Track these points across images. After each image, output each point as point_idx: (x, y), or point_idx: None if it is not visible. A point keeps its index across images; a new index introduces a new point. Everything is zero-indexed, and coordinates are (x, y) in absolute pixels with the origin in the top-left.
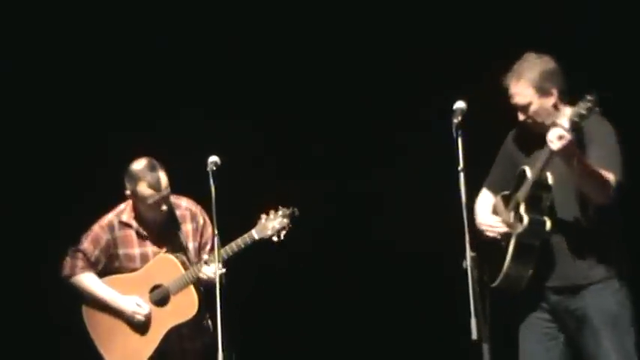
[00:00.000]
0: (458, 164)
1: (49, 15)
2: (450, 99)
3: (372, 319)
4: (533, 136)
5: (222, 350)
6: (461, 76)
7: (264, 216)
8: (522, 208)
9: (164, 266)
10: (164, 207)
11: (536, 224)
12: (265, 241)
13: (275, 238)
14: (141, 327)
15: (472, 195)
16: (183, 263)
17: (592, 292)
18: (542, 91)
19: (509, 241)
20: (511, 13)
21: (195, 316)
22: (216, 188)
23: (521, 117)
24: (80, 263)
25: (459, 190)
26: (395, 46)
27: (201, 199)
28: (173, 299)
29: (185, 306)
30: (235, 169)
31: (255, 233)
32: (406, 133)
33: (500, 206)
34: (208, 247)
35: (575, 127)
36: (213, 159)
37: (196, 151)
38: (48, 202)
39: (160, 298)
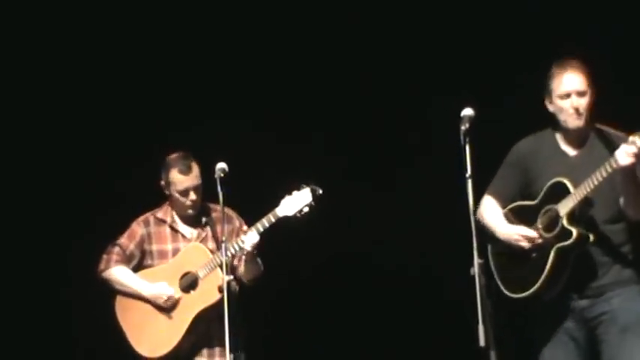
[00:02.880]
0: (465, 171)
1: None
2: (459, 106)
3: (379, 327)
4: (550, 148)
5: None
6: (469, 82)
7: (287, 196)
8: (566, 222)
9: (194, 254)
10: (193, 196)
11: (584, 238)
12: (289, 219)
13: (298, 215)
14: (169, 313)
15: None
16: (212, 251)
17: (620, 295)
18: (591, 87)
19: (547, 252)
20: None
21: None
22: (224, 195)
23: (576, 104)
24: (115, 257)
25: (464, 196)
26: (402, 52)
27: None
28: (201, 284)
29: (212, 288)
30: (242, 175)
31: (278, 211)
32: (411, 137)
33: (510, 217)
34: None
35: None
36: (221, 166)
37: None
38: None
39: (189, 284)
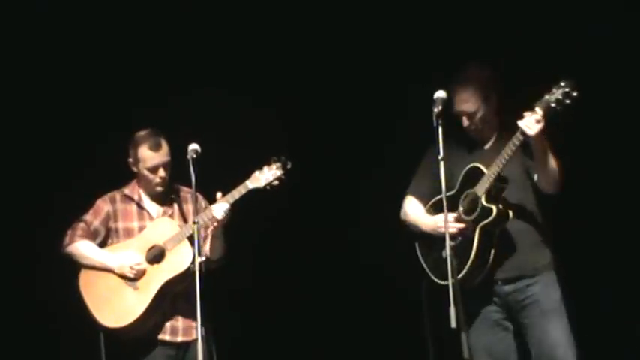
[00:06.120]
0: (438, 153)
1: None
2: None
3: (346, 311)
4: (468, 142)
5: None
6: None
7: (257, 171)
8: (484, 201)
9: (161, 227)
10: (162, 173)
11: (503, 214)
12: (260, 191)
13: (268, 187)
14: (135, 284)
15: None
16: (180, 226)
17: (540, 282)
18: (487, 99)
19: (472, 233)
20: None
21: (188, 269)
22: (196, 176)
23: (466, 123)
24: (79, 232)
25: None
26: (373, 43)
27: None
28: (168, 255)
29: (179, 258)
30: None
31: (248, 183)
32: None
33: (432, 212)
34: (210, 228)
35: (552, 113)
36: (194, 147)
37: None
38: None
39: (156, 255)
